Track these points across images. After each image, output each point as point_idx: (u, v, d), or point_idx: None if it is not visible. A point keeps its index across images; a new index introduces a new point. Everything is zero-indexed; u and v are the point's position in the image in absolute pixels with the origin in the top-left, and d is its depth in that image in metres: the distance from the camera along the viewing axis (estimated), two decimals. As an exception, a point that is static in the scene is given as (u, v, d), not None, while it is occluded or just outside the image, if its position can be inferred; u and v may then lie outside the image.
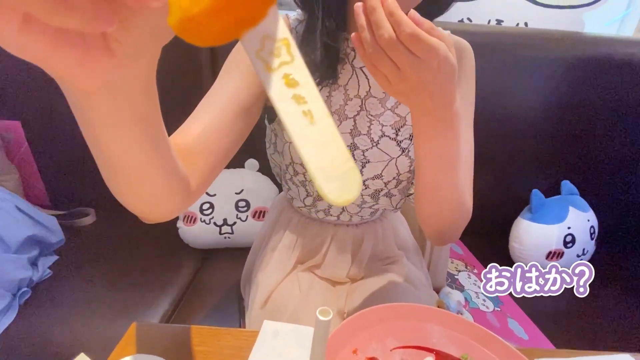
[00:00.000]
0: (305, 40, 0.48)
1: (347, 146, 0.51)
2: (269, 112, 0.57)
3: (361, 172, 0.55)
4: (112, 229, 1.11)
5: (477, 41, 1.03)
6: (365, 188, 0.58)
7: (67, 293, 0.86)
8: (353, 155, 0.53)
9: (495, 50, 1.03)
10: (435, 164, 0.42)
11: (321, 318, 0.15)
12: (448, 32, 0.54)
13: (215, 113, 0.43)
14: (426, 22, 0.30)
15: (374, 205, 0.61)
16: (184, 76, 1.04)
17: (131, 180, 0.30)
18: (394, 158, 0.54)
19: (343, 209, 0.62)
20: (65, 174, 1.15)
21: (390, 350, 0.40)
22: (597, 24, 1.25)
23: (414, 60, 0.31)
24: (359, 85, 0.50)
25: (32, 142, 1.10)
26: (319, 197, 0.60)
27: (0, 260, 0.75)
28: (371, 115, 0.51)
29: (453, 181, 0.44)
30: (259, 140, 0.67)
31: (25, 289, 0.80)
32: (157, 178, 0.31)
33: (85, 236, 1.08)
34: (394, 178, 0.56)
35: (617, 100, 1.09)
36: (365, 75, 0.50)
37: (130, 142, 0.25)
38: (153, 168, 0.29)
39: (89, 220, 1.14)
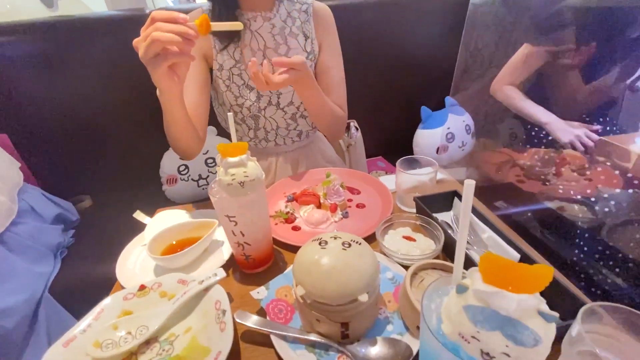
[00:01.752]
0: (214, 20, 0.77)
1: None
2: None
3: (278, 101, 0.85)
4: (108, 206, 1.38)
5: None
6: (285, 113, 0.88)
7: (91, 249, 1.13)
8: (270, 91, 0.84)
9: (379, 4, 1.37)
10: (307, 100, 0.78)
11: (229, 113, 0.47)
12: (312, 1, 0.86)
13: (193, 94, 0.76)
14: (283, 61, 0.65)
15: (296, 127, 0.92)
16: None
17: (181, 129, 0.67)
18: None
19: (277, 133, 0.93)
20: (56, 171, 1.37)
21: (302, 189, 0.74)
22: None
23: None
24: (258, 42, 0.80)
25: (21, 150, 1.30)
26: (256, 128, 0.91)
27: (43, 229, 1.02)
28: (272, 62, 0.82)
29: (320, 104, 0.78)
30: (212, 112, 0.94)
31: (63, 249, 1.07)
32: (189, 127, 0.68)
33: (88, 215, 1.33)
34: (301, 103, 0.88)
35: (487, 33, 1.47)
36: (260, 35, 0.80)
37: (179, 107, 0.62)
38: (187, 120, 0.67)
39: (87, 203, 1.39)
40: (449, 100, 1.48)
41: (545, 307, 0.20)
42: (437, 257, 0.50)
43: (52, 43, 1.22)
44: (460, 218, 0.25)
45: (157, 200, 1.38)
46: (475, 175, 0.80)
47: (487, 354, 0.21)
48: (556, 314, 0.20)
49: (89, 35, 1.24)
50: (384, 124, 1.54)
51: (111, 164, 1.40)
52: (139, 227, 0.72)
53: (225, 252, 0.55)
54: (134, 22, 1.27)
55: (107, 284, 1.05)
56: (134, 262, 0.56)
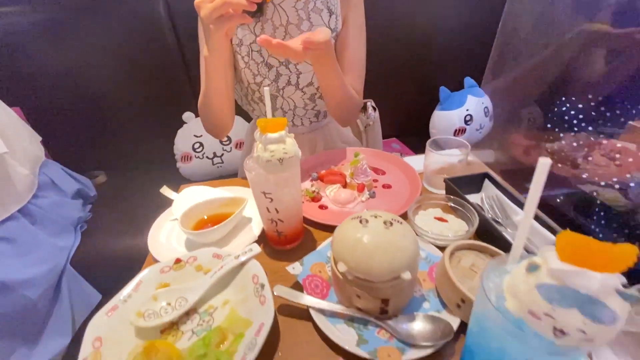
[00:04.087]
0: None
1: (282, 62, 0.81)
2: None
3: (297, 81, 0.83)
4: (123, 182, 1.38)
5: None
6: (304, 94, 0.86)
7: (108, 224, 1.15)
8: (290, 70, 0.82)
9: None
10: (325, 81, 0.74)
11: (265, 88, 0.46)
12: None
13: None
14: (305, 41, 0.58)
15: (314, 107, 0.90)
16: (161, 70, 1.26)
17: (223, 97, 0.71)
18: None
19: (294, 114, 0.92)
20: (69, 146, 1.37)
21: (326, 169, 0.73)
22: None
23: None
24: (280, 17, 0.76)
25: (33, 124, 1.29)
26: (274, 108, 0.88)
27: (64, 203, 1.03)
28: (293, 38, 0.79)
29: (336, 84, 0.74)
30: None
31: (82, 223, 1.09)
32: (230, 95, 0.73)
33: (105, 190, 1.33)
34: None
35: (500, 5, 1.41)
36: (284, 9, 0.76)
37: (227, 69, 0.68)
38: (229, 87, 0.70)
39: (102, 179, 1.40)
40: (468, 81, 1.45)
41: (622, 286, 0.20)
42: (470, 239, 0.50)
43: (63, 10, 1.19)
44: (529, 196, 0.24)
45: (172, 178, 1.38)
46: (503, 158, 0.78)
47: (561, 330, 0.21)
48: (636, 293, 0.20)
49: (103, 3, 1.21)
50: (399, 105, 1.51)
51: (125, 140, 1.40)
52: (156, 203, 0.71)
53: (255, 228, 0.56)
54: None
55: (126, 258, 1.08)
56: (165, 237, 0.56)
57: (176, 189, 1.32)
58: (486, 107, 1.42)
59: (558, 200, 0.58)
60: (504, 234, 0.48)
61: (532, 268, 0.22)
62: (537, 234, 0.48)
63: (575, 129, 0.74)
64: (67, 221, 1.05)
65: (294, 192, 0.47)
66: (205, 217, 0.56)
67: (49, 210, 1.01)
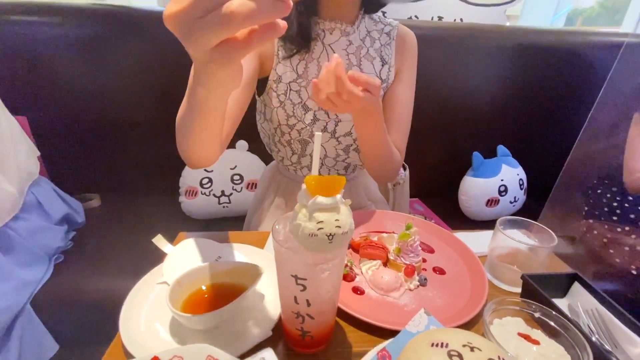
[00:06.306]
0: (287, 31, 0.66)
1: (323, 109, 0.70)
2: (258, 87, 0.73)
3: (335, 129, 0.73)
4: (117, 209, 1.25)
5: (424, 34, 1.27)
6: (339, 143, 0.75)
7: (89, 257, 0.99)
8: (328, 116, 0.71)
9: (439, 40, 1.28)
10: (366, 139, 0.66)
11: (317, 133, 0.34)
12: (397, 22, 0.75)
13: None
14: (362, 77, 0.49)
15: (346, 159, 0.79)
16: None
17: (211, 133, 0.49)
18: None
19: (322, 163, 0.80)
20: (68, 163, 1.26)
21: (360, 235, 0.59)
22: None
23: (345, 102, 0.50)
24: (328, 58, 0.68)
25: (36, 136, 1.20)
26: (302, 154, 0.77)
27: (46, 230, 0.89)
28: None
29: (379, 146, 0.66)
30: (246, 125, 0.75)
31: (59, 254, 0.94)
32: (219, 131, 0.50)
33: (95, 216, 1.19)
34: None
35: (537, 79, 1.37)
36: (334, 51, 0.68)
37: (224, 107, 0.44)
38: (222, 124, 0.49)
39: (95, 203, 1.26)
40: (501, 149, 1.36)
41: None
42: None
43: (91, 27, 1.14)
44: None
45: (170, 211, 1.25)
46: (581, 251, 0.65)
47: None
48: None
49: (130, 29, 1.16)
50: (425, 165, 1.41)
51: (128, 165, 1.29)
52: (147, 241, 0.53)
53: (270, 312, 0.41)
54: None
55: (97, 305, 0.90)
56: (146, 310, 0.41)
57: (174, 226, 1.19)
58: (521, 179, 1.31)
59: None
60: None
61: None
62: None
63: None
64: (43, 250, 0.90)
65: (335, 279, 0.33)
66: (204, 288, 0.42)
67: (26, 236, 0.87)
